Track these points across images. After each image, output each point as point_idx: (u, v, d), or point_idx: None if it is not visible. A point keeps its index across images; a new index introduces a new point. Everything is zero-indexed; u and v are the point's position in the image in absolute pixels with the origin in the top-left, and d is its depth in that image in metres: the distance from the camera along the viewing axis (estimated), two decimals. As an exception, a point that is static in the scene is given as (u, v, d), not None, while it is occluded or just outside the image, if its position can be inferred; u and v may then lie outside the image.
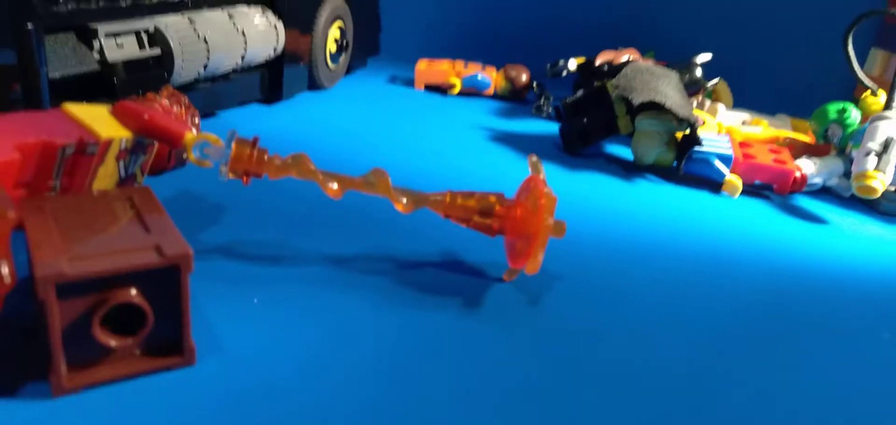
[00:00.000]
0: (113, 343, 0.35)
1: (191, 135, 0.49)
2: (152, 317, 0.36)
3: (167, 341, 0.37)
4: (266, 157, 0.47)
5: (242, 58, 0.80)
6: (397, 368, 0.40)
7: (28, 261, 0.36)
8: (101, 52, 0.62)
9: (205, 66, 0.73)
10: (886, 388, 0.44)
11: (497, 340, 0.44)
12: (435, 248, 0.55)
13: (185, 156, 0.63)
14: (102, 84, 0.63)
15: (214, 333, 0.41)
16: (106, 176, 0.50)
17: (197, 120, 0.61)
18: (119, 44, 0.64)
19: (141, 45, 0.67)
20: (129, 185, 0.53)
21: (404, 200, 0.49)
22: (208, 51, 0.73)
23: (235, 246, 0.52)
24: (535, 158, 0.51)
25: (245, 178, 0.47)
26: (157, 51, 0.68)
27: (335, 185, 0.48)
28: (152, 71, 0.67)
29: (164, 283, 0.36)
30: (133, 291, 0.35)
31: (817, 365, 0.45)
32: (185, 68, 0.71)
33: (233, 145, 0.47)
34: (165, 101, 0.59)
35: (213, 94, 0.79)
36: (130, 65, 0.65)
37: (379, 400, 0.37)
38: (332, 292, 0.47)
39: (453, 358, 0.41)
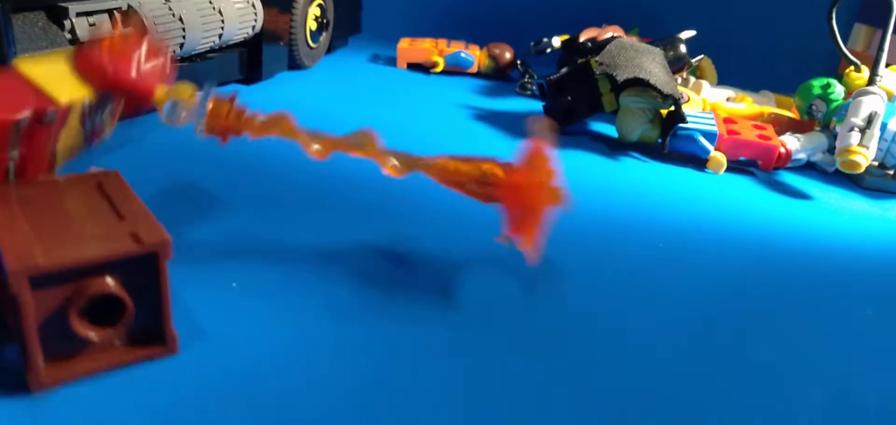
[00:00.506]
0: (92, 335, 0.34)
1: (162, 90, 0.45)
2: (132, 307, 0.35)
3: (148, 330, 0.36)
4: (245, 115, 0.45)
5: (220, 37, 0.78)
6: (382, 352, 0.39)
7: None
8: (73, 31, 0.61)
9: (180, 46, 0.72)
10: (869, 364, 0.44)
11: (481, 323, 0.43)
12: (424, 232, 0.54)
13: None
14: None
15: (196, 320, 0.40)
16: (69, 137, 0.46)
17: (166, 58, 0.53)
18: (91, 23, 0.63)
19: (114, 24, 0.65)
20: (95, 141, 0.50)
21: (394, 162, 0.46)
22: (184, 30, 0.71)
23: (213, 228, 0.51)
24: (539, 123, 0.47)
25: (222, 137, 0.45)
26: (130, 30, 0.66)
27: (319, 146, 0.45)
28: (126, 51, 0.65)
29: (143, 271, 0.35)
30: (110, 281, 0.34)
31: (802, 341, 0.45)
32: (161, 48, 0.69)
33: (209, 101, 0.44)
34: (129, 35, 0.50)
35: (190, 73, 0.77)
36: (103, 44, 0.63)
37: (363, 384, 0.36)
38: (315, 275, 0.46)
39: (439, 347, 0.41)
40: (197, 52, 0.77)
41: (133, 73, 0.45)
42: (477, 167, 0.46)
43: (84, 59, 0.45)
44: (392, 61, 1.11)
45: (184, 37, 0.71)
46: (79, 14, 0.61)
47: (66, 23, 0.61)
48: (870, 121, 0.70)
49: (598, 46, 0.85)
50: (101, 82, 0.45)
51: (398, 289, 0.46)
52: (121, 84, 0.45)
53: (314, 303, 0.43)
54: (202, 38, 0.75)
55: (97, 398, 0.33)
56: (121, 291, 0.34)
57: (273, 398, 0.35)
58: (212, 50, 0.81)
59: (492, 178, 0.46)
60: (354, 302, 0.44)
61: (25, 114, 0.40)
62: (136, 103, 0.46)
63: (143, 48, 0.50)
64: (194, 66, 0.77)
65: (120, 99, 0.50)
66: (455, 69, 1.08)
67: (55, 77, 0.44)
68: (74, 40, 0.61)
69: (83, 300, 0.33)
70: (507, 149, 0.76)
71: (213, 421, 0.33)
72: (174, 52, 0.72)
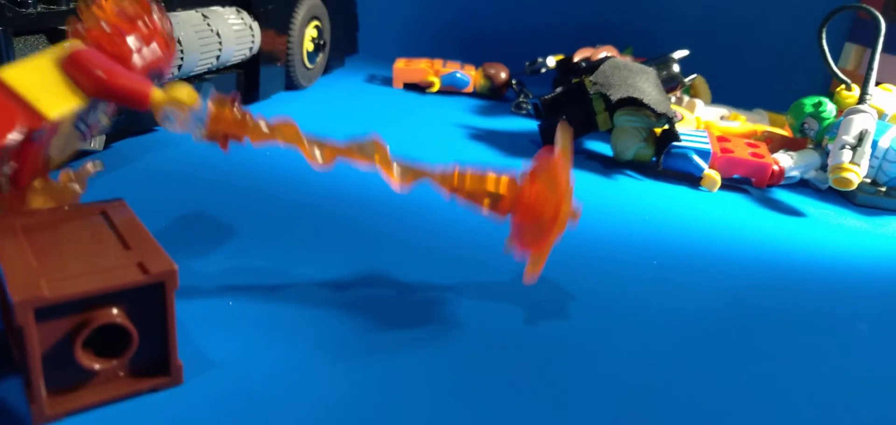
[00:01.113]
0: (97, 366, 0.34)
1: (158, 94, 0.42)
2: (137, 337, 0.34)
3: (152, 360, 0.36)
4: (248, 119, 0.42)
5: (217, 58, 0.79)
6: (388, 381, 0.39)
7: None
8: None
9: (179, 67, 0.72)
10: (863, 380, 0.44)
11: (480, 350, 0.43)
12: (429, 258, 0.55)
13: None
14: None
15: (199, 348, 0.39)
16: (62, 140, 0.44)
17: (167, 26, 0.49)
18: (90, 45, 0.63)
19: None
20: (89, 161, 0.47)
21: (401, 172, 0.43)
22: (182, 52, 0.72)
23: (214, 254, 0.51)
24: (563, 127, 0.44)
25: (223, 143, 0.43)
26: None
27: (323, 153, 0.43)
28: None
29: (148, 301, 0.34)
30: (115, 311, 0.33)
31: (795, 357, 0.46)
32: (159, 69, 0.70)
33: (210, 104, 0.42)
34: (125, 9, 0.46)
35: (188, 95, 0.78)
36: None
37: (371, 415, 0.37)
38: (319, 302, 0.46)
39: (440, 377, 0.41)
40: (195, 73, 0.77)
41: (126, 78, 0.42)
42: (488, 179, 0.44)
43: (74, 60, 0.42)
44: (388, 81, 1.12)
45: (182, 58, 0.72)
46: (78, 36, 0.62)
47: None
48: (861, 138, 0.71)
49: (593, 66, 0.86)
50: (92, 88, 0.42)
51: (402, 317, 0.46)
52: (114, 88, 0.42)
53: (323, 330, 0.43)
54: (200, 60, 0.75)
55: None
56: (126, 322, 0.34)
57: None
58: (209, 71, 0.81)
59: (503, 190, 0.44)
60: (360, 331, 0.44)
61: (14, 137, 0.37)
62: (132, 106, 0.43)
63: (140, 25, 0.46)
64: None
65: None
66: (451, 89, 1.08)
67: (44, 86, 0.41)
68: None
69: (88, 331, 0.33)
70: (503, 167, 0.76)
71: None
72: (172, 74, 0.72)
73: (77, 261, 0.34)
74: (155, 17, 0.48)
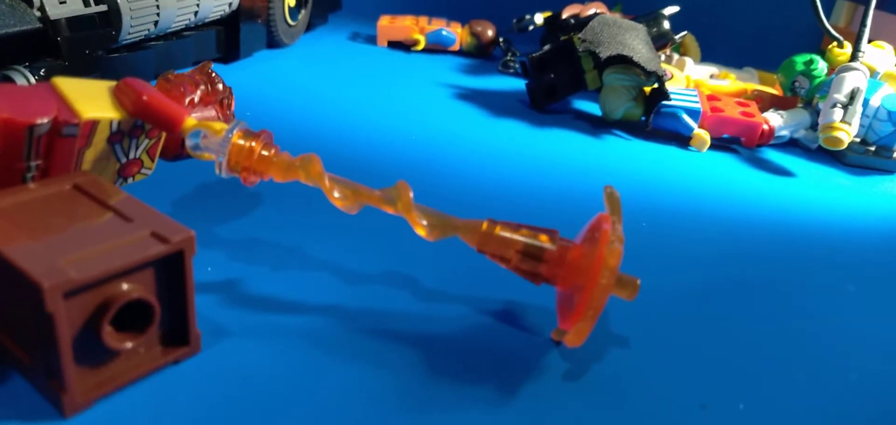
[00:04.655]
0: (127, 344, 0.32)
1: (190, 121, 0.43)
2: (159, 310, 0.33)
3: (168, 331, 0.34)
4: (272, 155, 0.41)
5: (195, 14, 0.76)
6: (394, 362, 0.38)
7: None
8: (43, 8, 0.59)
9: (155, 23, 0.70)
10: (851, 340, 0.44)
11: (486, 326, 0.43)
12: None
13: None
14: (46, 44, 0.59)
15: (210, 317, 0.38)
16: (97, 160, 0.44)
17: (231, 103, 0.56)
18: (61, 0, 0.61)
19: (86, 2, 0.63)
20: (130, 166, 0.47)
21: (426, 224, 0.40)
22: (158, 6, 0.69)
23: (213, 218, 0.50)
24: (610, 190, 0.40)
25: (245, 178, 0.41)
26: (103, 7, 0.64)
27: (346, 197, 0.41)
28: (99, 29, 0.64)
29: (166, 271, 0.33)
30: (138, 286, 0.32)
31: (785, 316, 0.45)
32: (134, 25, 0.67)
33: (232, 137, 0.41)
34: (196, 78, 0.53)
35: (166, 52, 0.75)
36: (75, 22, 0.61)
37: (389, 379, 0.36)
38: (333, 267, 0.45)
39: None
40: (172, 29, 0.75)
41: (166, 104, 0.44)
42: (525, 237, 0.39)
43: (126, 85, 0.44)
44: (372, 39, 1.09)
45: (158, 14, 0.70)
46: (48, -9, 0.59)
47: (36, 0, 0.59)
48: (852, 97, 0.70)
49: (581, 23, 0.84)
50: (132, 107, 0.43)
51: (410, 315, 0.45)
52: (151, 110, 0.43)
53: (334, 290, 0.42)
54: (177, 16, 0.73)
55: (133, 411, 0.32)
56: (151, 296, 0.32)
57: (307, 392, 0.34)
58: (188, 28, 0.79)
59: (543, 254, 0.39)
60: (368, 315, 0.43)
61: (42, 120, 0.38)
62: (166, 130, 0.44)
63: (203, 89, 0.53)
64: (170, 45, 0.76)
65: (159, 130, 0.48)
66: (436, 47, 1.06)
67: (87, 95, 0.43)
68: (43, 18, 0.59)
69: (114, 310, 0.31)
70: (490, 128, 0.75)
71: (244, 419, 0.32)
72: (148, 31, 0.70)
73: (84, 239, 0.32)
74: (218, 86, 0.54)
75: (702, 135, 0.75)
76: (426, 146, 0.68)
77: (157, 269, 0.33)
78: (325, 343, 0.37)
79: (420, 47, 1.06)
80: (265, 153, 0.41)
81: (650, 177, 0.66)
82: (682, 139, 0.77)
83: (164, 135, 0.49)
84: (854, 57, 0.76)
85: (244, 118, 0.68)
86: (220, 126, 0.42)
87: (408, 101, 0.81)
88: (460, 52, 1.08)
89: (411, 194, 0.40)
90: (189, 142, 0.42)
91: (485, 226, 0.39)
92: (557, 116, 0.82)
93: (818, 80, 0.79)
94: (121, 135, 0.45)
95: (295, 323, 0.39)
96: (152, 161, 0.49)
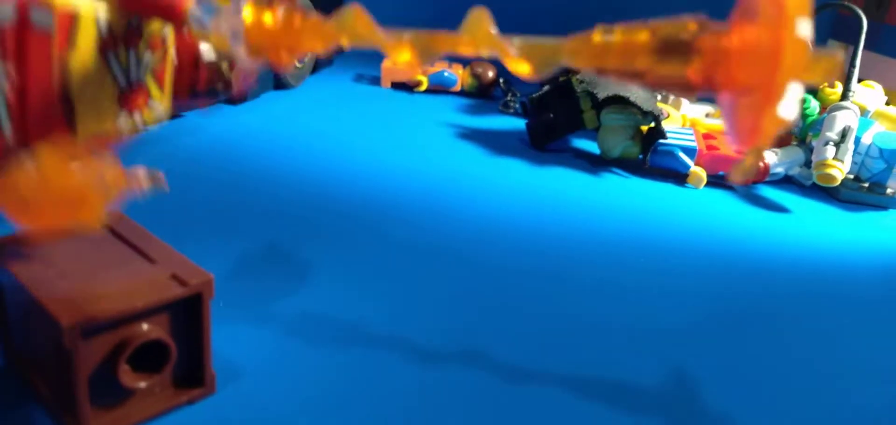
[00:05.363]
0: (141, 384, 0.33)
1: (192, 4, 0.34)
2: (175, 351, 0.34)
3: (184, 372, 0.35)
4: (299, 20, 0.31)
5: (206, 58, 0.78)
6: (413, 394, 0.40)
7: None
8: None
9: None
10: (847, 373, 0.45)
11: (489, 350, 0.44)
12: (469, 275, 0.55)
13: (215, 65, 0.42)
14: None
15: (224, 357, 0.39)
16: (89, 78, 0.35)
17: None
18: None
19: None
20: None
21: (516, 49, 0.30)
22: (171, 51, 0.71)
23: (226, 257, 0.51)
24: None
25: (275, 58, 0.32)
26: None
27: (409, 51, 0.31)
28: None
29: (184, 313, 0.34)
30: (155, 327, 0.33)
31: (780, 351, 0.46)
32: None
33: (245, 7, 0.31)
34: None
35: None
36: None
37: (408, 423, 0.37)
38: (343, 305, 0.46)
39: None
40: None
41: None
42: (659, 29, 0.29)
43: None
44: (376, 80, 1.12)
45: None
46: None
47: None
48: (844, 135, 0.72)
49: (580, 64, 0.86)
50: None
51: (424, 334, 0.46)
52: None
53: (349, 332, 0.43)
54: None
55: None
56: (167, 337, 0.33)
57: None
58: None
59: (693, 44, 0.28)
60: (397, 345, 0.44)
61: (5, 3, 0.31)
62: (166, 20, 0.36)
63: None
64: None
65: (164, 44, 0.39)
66: (439, 88, 1.09)
67: None
68: None
69: (131, 349, 0.32)
70: (492, 167, 0.77)
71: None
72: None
73: (107, 279, 0.33)
74: None
75: (698, 172, 0.77)
76: (429, 183, 0.70)
77: (175, 311, 0.34)
78: (339, 385, 0.38)
79: (423, 88, 1.08)
80: (287, 21, 0.31)
81: (648, 213, 0.68)
82: (678, 176, 0.79)
83: (171, 51, 0.40)
84: (845, 96, 0.78)
85: (285, 151, 0.70)
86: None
87: (411, 140, 0.83)
88: (462, 93, 1.10)
89: (489, 19, 0.30)
90: (194, 25, 0.33)
91: (597, 35, 0.29)
92: (557, 155, 0.84)
93: (811, 119, 0.81)
94: (114, 41, 0.36)
95: (309, 363, 0.40)
96: (162, 93, 0.40)
